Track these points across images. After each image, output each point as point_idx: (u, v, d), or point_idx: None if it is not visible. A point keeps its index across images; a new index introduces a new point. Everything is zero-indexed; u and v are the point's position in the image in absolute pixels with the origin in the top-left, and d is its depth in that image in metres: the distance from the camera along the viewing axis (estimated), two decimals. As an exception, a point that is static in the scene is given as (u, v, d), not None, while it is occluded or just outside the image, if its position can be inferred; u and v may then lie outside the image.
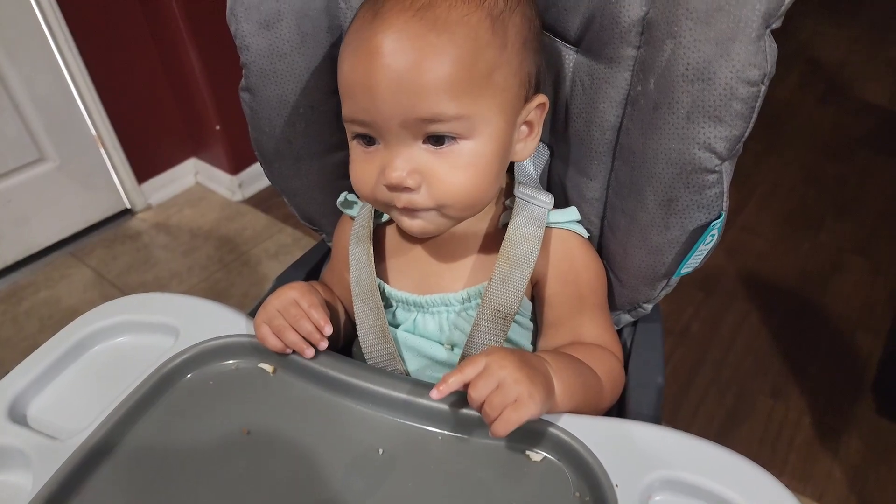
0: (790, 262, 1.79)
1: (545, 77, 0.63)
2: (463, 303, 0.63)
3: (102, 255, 1.99)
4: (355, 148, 0.58)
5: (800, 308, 1.66)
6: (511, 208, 0.63)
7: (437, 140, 0.53)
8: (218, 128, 2.02)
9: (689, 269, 0.60)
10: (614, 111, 0.59)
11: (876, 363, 1.48)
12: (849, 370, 1.49)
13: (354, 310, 0.65)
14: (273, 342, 0.60)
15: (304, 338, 0.60)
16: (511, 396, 0.49)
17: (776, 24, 0.49)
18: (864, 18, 3.02)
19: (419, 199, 0.55)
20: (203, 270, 1.92)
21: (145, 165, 2.11)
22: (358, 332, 0.65)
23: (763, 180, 2.08)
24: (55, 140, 1.88)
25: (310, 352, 0.60)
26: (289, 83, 0.66)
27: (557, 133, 0.66)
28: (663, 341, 0.67)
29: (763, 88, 0.50)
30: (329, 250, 0.83)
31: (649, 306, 0.66)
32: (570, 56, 0.62)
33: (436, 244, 0.65)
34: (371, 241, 0.65)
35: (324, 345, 0.60)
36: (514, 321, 0.61)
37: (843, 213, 1.95)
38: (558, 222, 0.64)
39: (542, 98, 0.59)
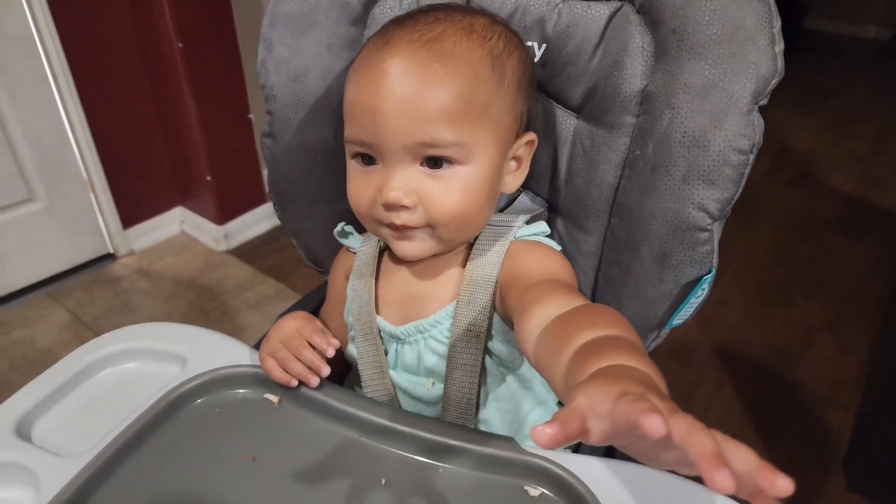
0: (762, 337, 1.84)
1: (536, 119, 0.68)
2: (434, 326, 0.64)
3: (80, 298, 1.97)
4: (353, 166, 0.61)
5: (771, 381, 1.70)
6: None
7: (434, 163, 0.57)
8: (209, 178, 2.06)
9: (680, 321, 0.64)
10: (613, 172, 0.64)
11: (846, 440, 1.50)
12: (820, 445, 1.51)
13: (355, 345, 0.68)
14: (279, 375, 0.62)
15: (307, 367, 0.62)
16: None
17: (763, 102, 0.55)
18: (829, 112, 3.22)
19: (414, 217, 0.58)
20: (182, 317, 1.91)
21: (132, 211, 2.12)
22: (358, 368, 0.67)
23: (737, 257, 2.16)
24: (46, 181, 1.90)
25: (314, 381, 0.62)
26: (310, 131, 0.71)
27: (557, 190, 0.71)
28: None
29: (752, 157, 0.55)
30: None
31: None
32: (570, 121, 0.68)
33: (417, 272, 0.67)
34: (374, 277, 0.68)
35: (326, 371, 0.62)
36: (504, 350, 0.63)
37: (812, 291, 2.03)
38: (524, 236, 0.66)
39: (531, 136, 0.64)
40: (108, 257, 2.13)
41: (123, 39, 1.90)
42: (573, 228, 0.70)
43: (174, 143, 2.09)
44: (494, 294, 0.62)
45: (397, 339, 0.66)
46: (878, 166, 2.73)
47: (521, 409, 0.66)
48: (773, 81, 0.54)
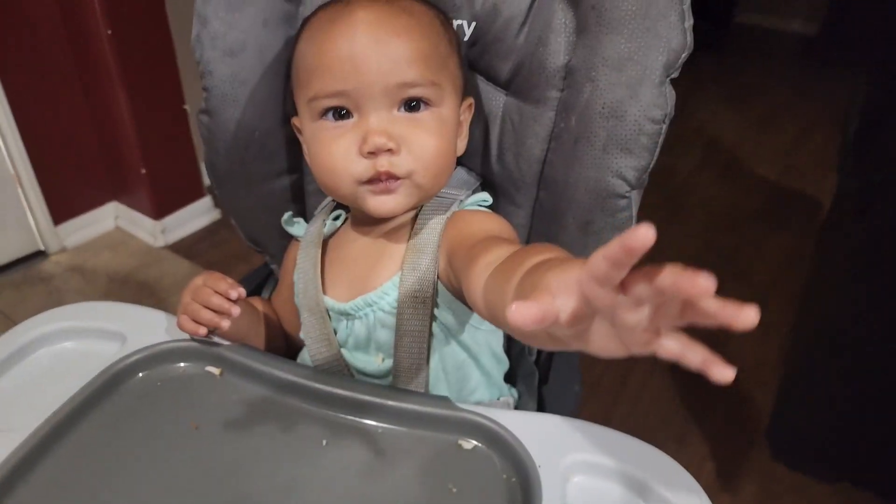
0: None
1: (471, 89, 0.71)
2: (382, 297, 0.65)
3: (10, 297, 1.91)
4: (322, 127, 0.62)
5: (695, 361, 1.79)
6: None
7: (412, 106, 0.60)
8: (143, 171, 2.01)
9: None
10: (540, 146, 0.68)
11: (768, 414, 1.59)
12: (745, 420, 1.61)
13: (301, 320, 0.69)
14: (191, 326, 0.63)
15: (217, 312, 0.63)
16: None
17: (674, 74, 0.59)
18: (756, 107, 3.37)
19: (398, 160, 0.60)
20: (119, 315, 1.87)
21: (63, 207, 2.05)
22: (305, 341, 0.69)
23: (667, 247, 2.22)
24: (-32, 175, 1.83)
25: (225, 324, 0.62)
26: (247, 108, 0.72)
27: (489, 166, 0.74)
28: (577, 356, 0.74)
29: (664, 126, 0.60)
30: (270, 273, 0.87)
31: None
32: (500, 98, 0.71)
33: (363, 249, 0.69)
34: (319, 249, 0.70)
35: (235, 310, 0.62)
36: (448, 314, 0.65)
37: (737, 279, 2.12)
38: (466, 206, 0.68)
39: (470, 99, 0.68)
40: (39, 255, 2.06)
41: (49, 26, 1.83)
42: (505, 202, 0.74)
43: (106, 136, 2.03)
44: (437, 261, 0.64)
45: (347, 315, 0.67)
46: (800, 159, 2.88)
47: (468, 382, 0.69)
48: (683, 55, 0.59)
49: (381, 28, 0.58)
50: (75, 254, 2.10)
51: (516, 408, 0.73)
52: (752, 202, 2.57)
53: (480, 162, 0.75)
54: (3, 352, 0.64)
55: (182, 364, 0.65)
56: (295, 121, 0.69)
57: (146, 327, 0.67)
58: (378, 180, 0.61)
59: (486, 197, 0.70)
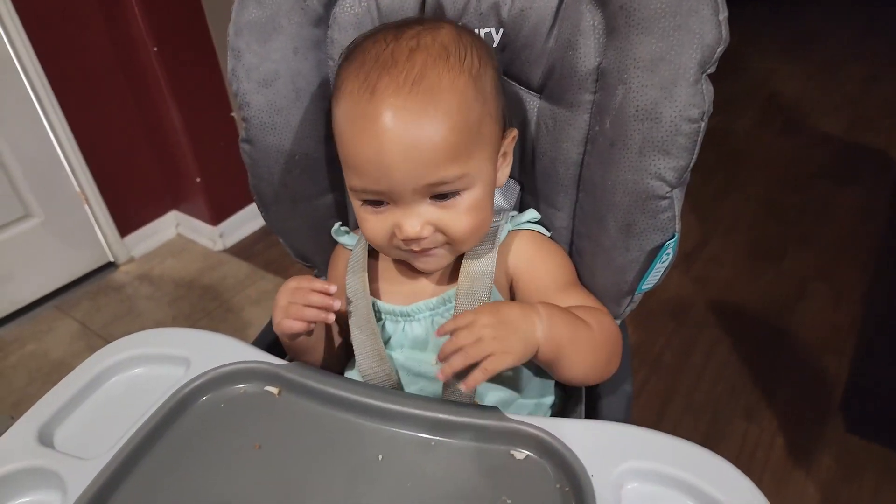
0: (756, 291, 1.86)
1: (510, 111, 0.71)
2: (444, 304, 0.69)
3: (87, 308, 2.02)
4: (364, 210, 0.65)
5: (768, 334, 1.72)
6: None
7: (441, 196, 0.62)
8: (198, 180, 2.08)
9: (650, 286, 0.67)
10: (576, 149, 0.67)
11: (843, 384, 1.54)
12: (817, 391, 1.54)
13: (352, 337, 0.71)
14: (298, 326, 0.65)
15: (320, 308, 0.65)
16: (486, 351, 0.56)
17: (711, 70, 0.57)
18: (817, 56, 3.19)
19: (433, 242, 0.64)
20: (187, 319, 1.95)
21: (127, 219, 2.16)
22: (356, 358, 0.71)
23: (727, 214, 2.17)
24: (40, 197, 1.93)
25: (331, 317, 0.65)
26: (286, 134, 0.74)
27: (526, 170, 0.74)
28: (629, 355, 0.74)
29: (703, 124, 0.58)
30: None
31: (617, 322, 0.73)
32: (533, 102, 0.71)
33: (415, 269, 0.71)
34: (366, 272, 0.72)
35: (337, 304, 0.65)
36: None
37: (804, 242, 2.04)
38: (518, 225, 0.72)
39: (514, 132, 0.68)
40: (110, 266, 2.17)
41: (99, 50, 1.92)
42: (545, 206, 0.73)
43: (161, 148, 2.11)
44: (491, 286, 0.67)
45: (406, 316, 0.71)
46: (868, 109, 2.71)
47: (514, 383, 0.70)
48: (719, 49, 0.57)
49: (408, 131, 0.57)
50: (142, 262, 2.20)
51: (562, 412, 0.73)
52: (816, 159, 2.44)
53: (519, 167, 0.75)
54: (80, 381, 0.69)
55: (242, 385, 0.68)
56: None
57: (208, 350, 0.70)
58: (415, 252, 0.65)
59: (534, 214, 0.73)
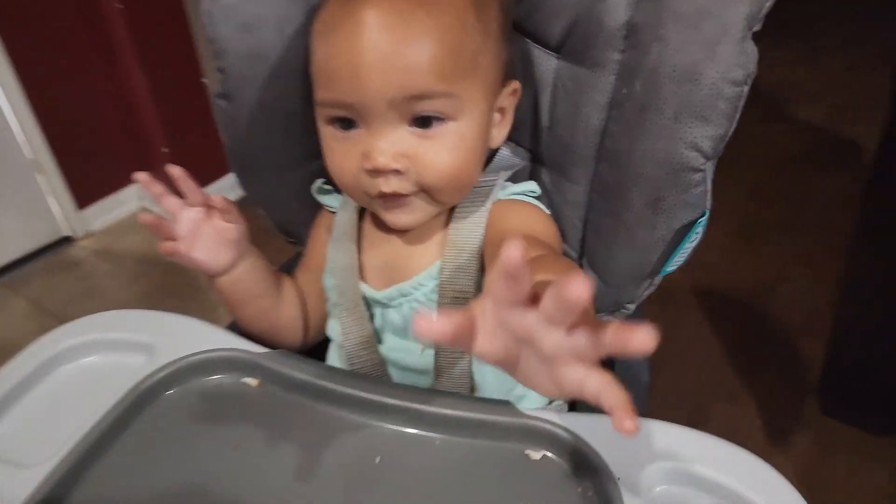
0: (738, 274, 1.86)
1: (516, 65, 0.64)
2: (417, 288, 0.61)
3: (41, 286, 1.90)
4: (330, 133, 0.56)
5: (748, 317, 1.73)
6: None
7: (423, 122, 0.53)
8: (165, 150, 1.97)
9: (674, 268, 0.61)
10: (599, 115, 0.60)
11: (820, 367, 1.54)
12: (796, 374, 1.56)
13: (338, 319, 0.64)
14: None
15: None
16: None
17: (757, 27, 0.51)
18: (800, 41, 3.19)
19: (406, 184, 0.54)
20: (150, 298, 1.85)
21: (86, 191, 2.04)
22: (342, 343, 0.64)
23: (712, 197, 2.16)
24: (-13, 165, 1.80)
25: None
26: (270, 88, 0.65)
27: (539, 138, 0.67)
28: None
29: (746, 88, 0.51)
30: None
31: (632, 306, 0.67)
32: (550, 62, 0.63)
33: (399, 236, 0.64)
34: (355, 244, 0.64)
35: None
36: None
37: (785, 226, 2.04)
38: (511, 195, 0.63)
39: (516, 84, 0.60)
40: (66, 241, 2.05)
41: (59, 5, 1.78)
42: (558, 178, 0.66)
43: (125, 115, 2.00)
44: (479, 258, 0.59)
45: (381, 303, 0.63)
46: (847, 97, 2.73)
47: (514, 382, 0.63)
48: (768, 3, 0.50)
49: (391, 31, 0.50)
50: (102, 237, 2.08)
51: (572, 404, 0.67)
52: (796, 144, 2.46)
53: (529, 134, 0.68)
54: (21, 371, 0.59)
55: (216, 377, 0.60)
56: None
57: (175, 335, 0.62)
58: (385, 196, 0.55)
59: (533, 188, 0.64)
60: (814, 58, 3.09)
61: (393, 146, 0.53)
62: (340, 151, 0.56)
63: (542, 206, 0.64)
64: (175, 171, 0.58)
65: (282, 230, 0.78)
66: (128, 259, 2.00)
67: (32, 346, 0.62)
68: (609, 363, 0.67)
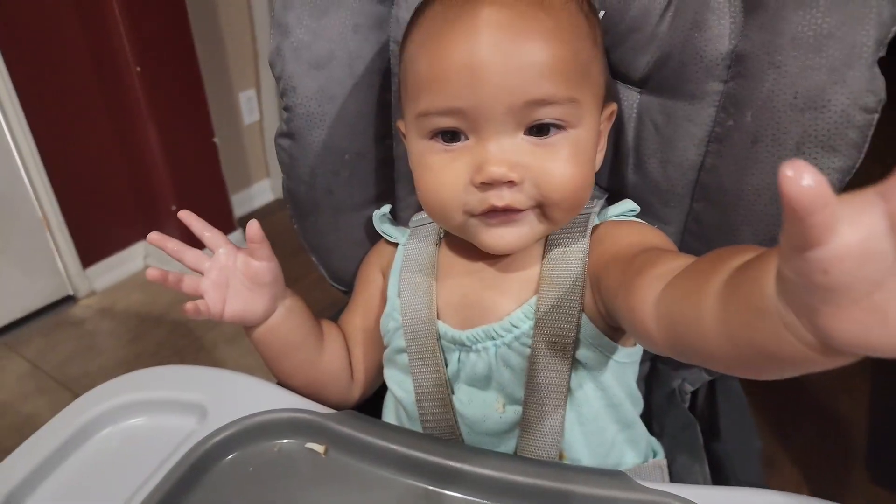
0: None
1: (613, 90, 0.60)
2: (510, 331, 0.54)
3: (40, 345, 1.82)
4: (430, 148, 0.51)
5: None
6: None
7: (540, 130, 0.48)
8: (174, 208, 1.93)
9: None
10: (696, 149, 0.56)
11: (861, 426, 1.48)
12: (837, 436, 1.49)
13: (411, 367, 0.58)
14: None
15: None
16: None
17: (882, 53, 0.47)
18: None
19: (521, 196, 0.49)
20: (153, 357, 1.77)
21: (92, 249, 1.98)
22: (414, 399, 0.57)
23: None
24: (-4, 221, 1.74)
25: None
26: (336, 127, 0.61)
27: (622, 177, 0.62)
28: (746, 401, 0.62)
29: (876, 116, 0.48)
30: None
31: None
32: (632, 97, 0.60)
33: (481, 271, 0.57)
34: (434, 279, 0.58)
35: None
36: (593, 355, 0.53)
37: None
38: (611, 217, 0.57)
39: (613, 106, 0.56)
40: (68, 300, 1.97)
41: (77, 65, 1.77)
42: (647, 219, 0.61)
43: (135, 174, 1.97)
44: (582, 293, 0.52)
45: (461, 345, 0.56)
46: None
47: (606, 433, 0.56)
48: (894, 28, 0.47)
49: (511, 32, 0.46)
50: (105, 296, 2.02)
51: (671, 473, 0.60)
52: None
53: (608, 175, 0.63)
54: (58, 437, 0.53)
55: (278, 441, 0.53)
56: (400, 124, 0.58)
57: (227, 394, 0.56)
58: (496, 213, 0.50)
59: (633, 206, 0.58)
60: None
61: (510, 156, 0.48)
62: (441, 165, 0.51)
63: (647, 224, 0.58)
64: (186, 215, 0.56)
65: (333, 278, 0.72)
66: (130, 318, 1.93)
67: (67, 409, 0.55)
68: (710, 426, 0.60)
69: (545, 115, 0.48)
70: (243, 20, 2.10)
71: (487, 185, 0.48)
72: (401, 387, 0.60)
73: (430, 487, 0.49)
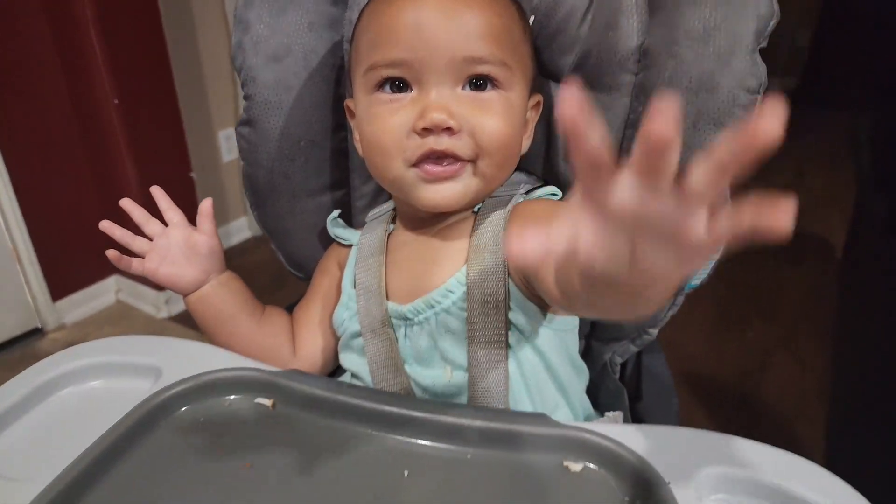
0: (723, 361, 1.87)
1: (540, 84, 0.66)
2: (446, 297, 0.58)
3: (3, 380, 1.79)
4: (377, 99, 0.57)
5: (738, 403, 1.72)
6: None
7: (478, 85, 0.55)
8: (148, 241, 1.95)
9: (697, 282, 0.61)
10: (615, 135, 0.63)
11: (818, 452, 1.50)
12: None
13: (364, 342, 0.62)
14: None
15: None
16: None
17: (763, 44, 0.55)
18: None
19: (460, 144, 0.54)
20: (122, 391, 1.76)
21: (62, 282, 1.97)
22: (369, 366, 0.61)
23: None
24: (-35, 251, 1.75)
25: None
26: (292, 115, 0.67)
27: (553, 167, 0.69)
28: (669, 370, 0.67)
29: (760, 97, 0.54)
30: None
31: (654, 331, 0.66)
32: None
33: (422, 247, 0.63)
34: (384, 258, 0.63)
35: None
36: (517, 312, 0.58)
37: (764, 315, 2.09)
38: (533, 197, 0.62)
39: (539, 97, 0.63)
40: (35, 332, 1.96)
41: (54, 96, 1.81)
42: (575, 203, 0.67)
43: (109, 206, 1.97)
44: (504, 259, 0.57)
45: (405, 319, 0.60)
46: (801, 199, 2.88)
47: (546, 393, 0.61)
48: (772, 23, 0.55)
49: (453, 1, 0.54)
50: (74, 330, 2.01)
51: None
52: (763, 242, 2.55)
53: (542, 164, 0.69)
54: (21, 390, 0.56)
55: (229, 397, 0.57)
56: (349, 102, 0.64)
57: (185, 360, 0.59)
58: (430, 160, 0.55)
59: (555, 190, 0.64)
60: (764, 175, 3.29)
61: (448, 104, 0.54)
62: (386, 116, 0.56)
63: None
64: (157, 191, 0.69)
65: (292, 265, 0.77)
66: (100, 352, 1.93)
67: (33, 367, 0.59)
68: (634, 390, 0.65)
69: (482, 70, 0.55)
70: (224, 61, 2.15)
71: (427, 132, 0.54)
72: (357, 367, 0.64)
73: (371, 431, 0.53)
